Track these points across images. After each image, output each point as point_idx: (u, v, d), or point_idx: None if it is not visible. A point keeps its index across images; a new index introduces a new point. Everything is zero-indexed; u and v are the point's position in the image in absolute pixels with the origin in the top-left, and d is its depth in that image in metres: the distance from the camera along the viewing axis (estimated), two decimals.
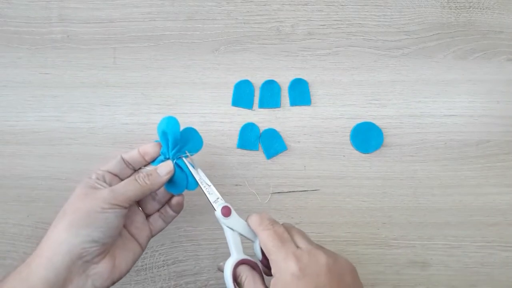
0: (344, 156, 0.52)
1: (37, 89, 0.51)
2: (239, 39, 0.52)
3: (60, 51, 0.51)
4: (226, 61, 0.52)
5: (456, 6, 0.54)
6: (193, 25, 0.52)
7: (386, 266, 0.50)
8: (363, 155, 0.52)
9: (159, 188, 0.40)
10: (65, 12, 0.52)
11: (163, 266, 0.50)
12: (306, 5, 0.53)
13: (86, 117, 0.51)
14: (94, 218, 0.35)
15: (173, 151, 0.41)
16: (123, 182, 0.38)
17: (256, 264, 0.38)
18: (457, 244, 0.51)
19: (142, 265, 0.49)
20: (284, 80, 0.52)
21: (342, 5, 0.53)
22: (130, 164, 0.42)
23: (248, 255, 0.39)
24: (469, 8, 0.54)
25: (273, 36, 0.53)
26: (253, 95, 0.52)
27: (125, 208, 0.37)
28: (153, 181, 0.39)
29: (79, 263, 0.34)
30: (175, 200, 0.42)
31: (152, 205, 0.43)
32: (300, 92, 0.52)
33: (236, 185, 0.51)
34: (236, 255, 0.38)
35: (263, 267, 0.39)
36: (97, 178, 0.39)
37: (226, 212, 0.39)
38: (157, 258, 0.50)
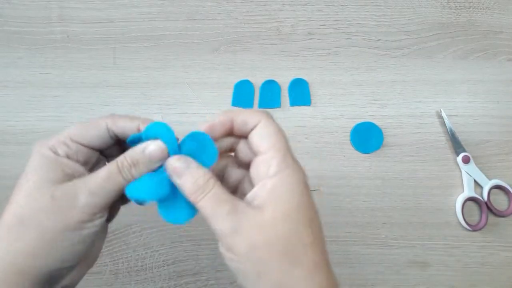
0: (344, 156, 0.52)
1: (37, 89, 0.51)
2: (239, 39, 0.52)
3: (60, 51, 0.51)
4: (226, 61, 0.52)
5: (456, 6, 0.54)
6: (193, 25, 0.52)
7: (386, 266, 0.50)
8: (363, 155, 0.52)
9: None
10: (65, 12, 0.52)
11: (163, 266, 0.50)
12: (306, 5, 0.53)
13: (86, 117, 0.51)
14: (70, 238, 0.25)
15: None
16: (100, 177, 0.26)
17: None
18: (457, 244, 0.51)
19: (142, 265, 0.49)
20: (284, 80, 0.52)
21: (342, 5, 0.53)
22: (116, 136, 0.29)
23: None
24: (469, 8, 0.54)
25: (273, 36, 0.53)
26: (253, 95, 0.52)
27: (106, 213, 0.27)
28: (142, 172, 0.27)
29: (47, 286, 0.26)
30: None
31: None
32: (300, 92, 0.52)
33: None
34: None
35: None
36: (67, 156, 0.27)
37: None
38: (157, 258, 0.50)
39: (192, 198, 0.26)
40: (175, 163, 0.26)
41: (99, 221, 0.26)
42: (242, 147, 0.29)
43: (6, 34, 0.51)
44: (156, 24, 0.52)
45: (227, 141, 0.29)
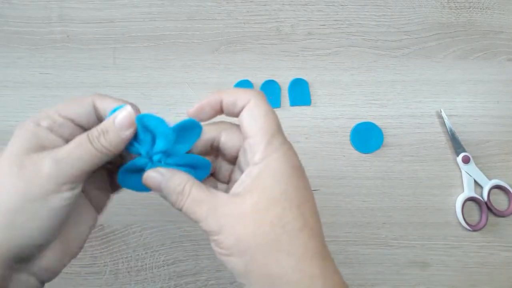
0: (344, 156, 0.52)
1: (37, 89, 0.51)
2: (239, 39, 0.52)
3: (60, 51, 0.51)
4: (226, 61, 0.52)
5: (456, 6, 0.54)
6: (193, 25, 0.52)
7: (386, 266, 0.50)
8: (363, 155, 0.52)
9: (119, 151, 0.26)
10: (65, 12, 0.52)
11: (163, 266, 0.50)
12: (306, 5, 0.53)
13: None
14: (35, 211, 0.24)
15: (158, 155, 0.28)
16: (69, 146, 0.25)
17: None
18: (457, 244, 0.51)
19: (142, 265, 0.49)
20: (284, 80, 0.52)
21: (342, 5, 0.53)
22: (102, 118, 0.27)
23: None
24: (469, 8, 0.54)
25: (273, 36, 0.53)
26: None
27: (77, 188, 0.25)
28: (112, 141, 0.25)
29: (15, 265, 0.25)
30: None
31: None
32: (300, 92, 0.52)
33: None
34: None
35: None
36: (50, 128, 0.26)
37: None
38: (157, 258, 0.50)
39: (176, 206, 0.26)
40: (152, 175, 0.26)
41: (67, 194, 0.24)
42: (229, 134, 0.28)
43: (6, 34, 0.51)
44: (156, 24, 0.52)
45: (212, 130, 0.29)
